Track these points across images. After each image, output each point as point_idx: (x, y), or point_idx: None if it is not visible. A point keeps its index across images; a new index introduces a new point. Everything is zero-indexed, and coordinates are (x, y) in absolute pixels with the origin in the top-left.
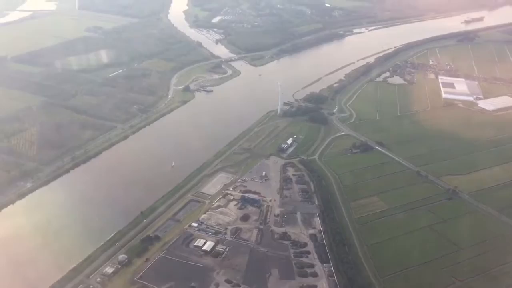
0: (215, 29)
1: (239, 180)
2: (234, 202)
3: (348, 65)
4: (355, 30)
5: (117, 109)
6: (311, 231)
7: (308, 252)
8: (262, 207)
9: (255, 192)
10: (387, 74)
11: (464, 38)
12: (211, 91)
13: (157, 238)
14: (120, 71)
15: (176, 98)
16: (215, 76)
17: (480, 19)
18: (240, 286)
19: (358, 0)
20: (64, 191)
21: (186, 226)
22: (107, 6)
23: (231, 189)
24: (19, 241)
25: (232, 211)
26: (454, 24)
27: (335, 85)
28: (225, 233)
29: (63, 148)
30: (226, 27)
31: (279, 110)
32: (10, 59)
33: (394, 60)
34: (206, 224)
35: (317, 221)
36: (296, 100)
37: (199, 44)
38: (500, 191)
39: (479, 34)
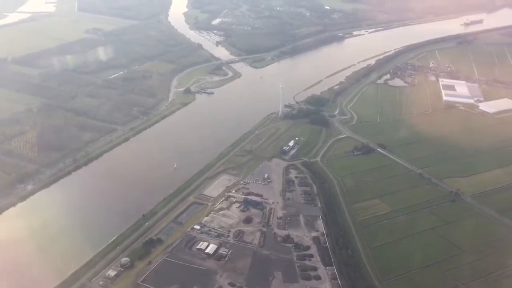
0: (215, 31)
1: (242, 182)
2: (237, 205)
3: (349, 67)
4: (354, 32)
5: (117, 111)
6: (314, 233)
7: (311, 255)
8: (264, 209)
9: (257, 195)
10: (388, 76)
11: (464, 40)
12: (212, 93)
13: (159, 241)
14: (120, 73)
15: (177, 100)
16: (216, 78)
17: (479, 21)
18: None
19: (357, 3)
20: (65, 193)
21: (189, 229)
22: (106, 8)
23: (233, 191)
24: (20, 244)
25: (235, 214)
26: (453, 26)
27: (335, 87)
28: (228, 236)
29: (63, 150)
30: (226, 29)
31: (280, 112)
32: (10, 61)
33: (394, 62)
34: (208, 227)
35: (320, 223)
36: (297, 102)
37: (200, 46)
38: (502, 194)
39: (478, 37)
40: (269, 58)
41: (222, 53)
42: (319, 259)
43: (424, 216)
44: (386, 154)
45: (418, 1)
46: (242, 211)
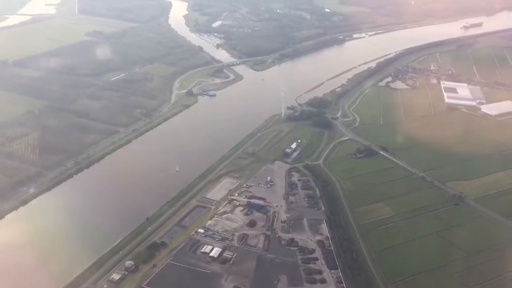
0: (215, 34)
1: (244, 185)
2: (240, 208)
3: (350, 69)
4: (355, 35)
5: (119, 113)
6: (318, 237)
7: (316, 259)
8: (268, 213)
9: (260, 198)
10: (389, 79)
11: (464, 43)
12: (214, 95)
13: (163, 244)
14: (121, 75)
15: (179, 102)
16: (218, 81)
17: (479, 24)
18: None
19: (357, 6)
20: (68, 196)
21: (193, 232)
22: (107, 10)
23: (236, 194)
24: (23, 248)
25: (239, 217)
26: (453, 29)
27: (337, 89)
28: (232, 239)
29: (65, 153)
30: (227, 31)
31: (282, 114)
32: (11, 63)
33: (395, 65)
34: (212, 230)
35: (324, 227)
36: (299, 104)
37: (200, 49)
38: (506, 197)
39: (478, 40)
40: (270, 60)
41: (223, 55)
42: (324, 263)
43: (428, 220)
44: (389, 157)
45: (418, 4)
46: (246, 214)
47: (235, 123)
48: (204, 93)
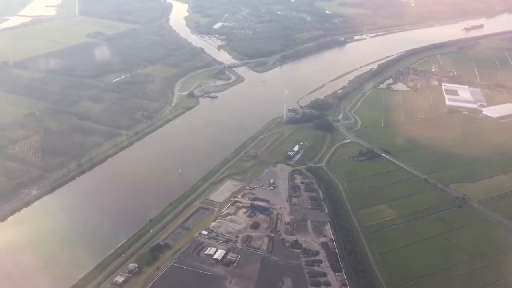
0: (216, 35)
1: (247, 187)
2: (244, 210)
3: (351, 71)
4: (356, 37)
5: (121, 115)
6: (322, 239)
7: (320, 261)
8: (271, 215)
9: (263, 200)
10: (390, 80)
11: (465, 45)
12: (216, 97)
13: (167, 246)
14: (122, 77)
15: (180, 104)
16: (219, 82)
17: (480, 26)
18: None
19: (357, 7)
20: (70, 198)
21: (196, 234)
22: (107, 12)
23: (239, 196)
24: (26, 250)
25: (242, 219)
26: (454, 31)
27: (339, 91)
28: (236, 241)
29: (68, 155)
30: (228, 33)
31: (284, 117)
32: (12, 65)
33: (396, 66)
34: (216, 232)
35: (327, 229)
36: (301, 106)
37: (202, 50)
38: (509, 199)
39: (479, 42)
40: (271, 62)
41: (224, 57)
42: (328, 265)
43: (431, 222)
44: (391, 159)
45: (418, 6)
46: (249, 216)
47: (236, 125)
48: (206, 95)
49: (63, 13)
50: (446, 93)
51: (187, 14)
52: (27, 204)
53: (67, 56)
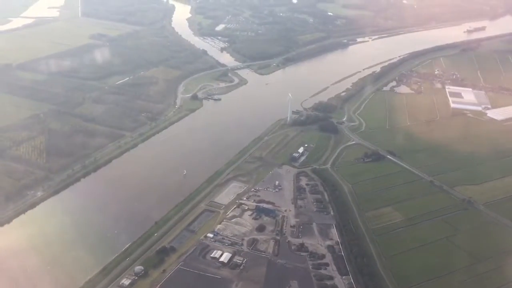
0: (219, 37)
1: (252, 189)
2: (249, 212)
3: (355, 74)
4: (358, 39)
5: (125, 117)
6: (329, 242)
7: (327, 264)
8: (277, 217)
9: (269, 202)
10: (394, 83)
11: (468, 47)
12: (219, 99)
13: (172, 249)
14: (126, 79)
15: (184, 106)
16: (222, 85)
17: (482, 28)
18: None
19: (359, 9)
20: (76, 200)
21: (202, 237)
22: (110, 13)
23: (244, 198)
24: (31, 253)
25: (247, 222)
26: (456, 33)
27: (342, 93)
28: (242, 244)
29: (72, 157)
30: (231, 35)
31: (288, 119)
32: (15, 67)
33: (399, 69)
34: (222, 235)
35: (333, 232)
36: (305, 108)
37: (205, 52)
38: None
39: (482, 44)
40: (274, 64)
41: (227, 59)
42: (335, 268)
43: (437, 225)
44: (396, 161)
45: (421, 8)
46: (255, 219)
47: (240, 128)
48: (209, 97)
49: (66, 14)
50: (450, 96)
51: (189, 15)
52: (32, 206)
53: (70, 58)
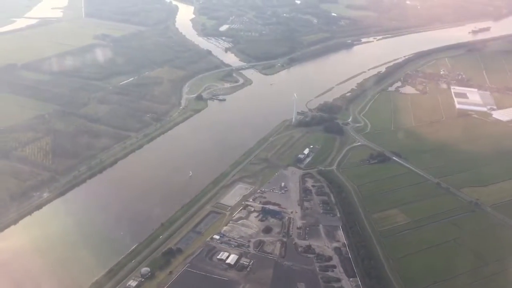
0: (223, 38)
1: (258, 191)
2: (255, 214)
3: (359, 74)
4: (363, 40)
5: (130, 117)
6: (335, 244)
7: (334, 266)
8: (283, 219)
9: (275, 204)
10: (399, 83)
11: (473, 48)
12: (224, 99)
13: (179, 250)
14: (131, 79)
15: (189, 106)
16: (227, 85)
17: (487, 29)
18: None
19: (363, 10)
20: (82, 201)
21: (208, 239)
22: (113, 14)
23: (250, 200)
24: (37, 254)
25: (254, 223)
26: (461, 34)
27: (347, 94)
28: (248, 246)
29: (78, 157)
30: (235, 35)
31: (293, 120)
32: (20, 67)
33: (404, 69)
34: (228, 237)
35: (340, 234)
36: (310, 109)
37: (209, 53)
38: None
39: (487, 44)
40: (279, 64)
41: (232, 59)
42: (342, 270)
43: (445, 227)
44: (402, 162)
45: (425, 9)
46: (261, 220)
47: (246, 128)
48: (214, 97)
49: (70, 15)
50: (456, 96)
51: (193, 16)
52: (38, 207)
53: (74, 58)
